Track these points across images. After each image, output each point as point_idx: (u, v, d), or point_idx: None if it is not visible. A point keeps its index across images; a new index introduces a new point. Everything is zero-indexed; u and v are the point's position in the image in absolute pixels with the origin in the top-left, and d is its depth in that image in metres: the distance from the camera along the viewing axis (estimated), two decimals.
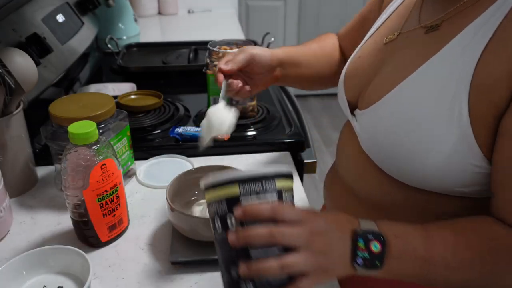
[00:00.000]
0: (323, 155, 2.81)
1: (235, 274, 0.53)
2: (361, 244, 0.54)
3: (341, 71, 0.80)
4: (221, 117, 0.76)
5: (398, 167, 0.64)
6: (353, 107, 0.75)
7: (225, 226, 0.53)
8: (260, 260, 0.52)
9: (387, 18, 0.76)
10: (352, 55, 0.79)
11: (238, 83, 0.83)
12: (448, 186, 0.61)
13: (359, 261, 0.54)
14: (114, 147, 0.85)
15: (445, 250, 0.56)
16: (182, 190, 0.82)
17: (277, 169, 0.54)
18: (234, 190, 0.52)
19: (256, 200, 0.52)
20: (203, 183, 0.55)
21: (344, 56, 0.97)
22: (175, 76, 1.47)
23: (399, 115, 0.62)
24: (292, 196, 0.56)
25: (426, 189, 0.64)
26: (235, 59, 0.82)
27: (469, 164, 0.58)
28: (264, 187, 0.53)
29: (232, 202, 0.52)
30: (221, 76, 0.81)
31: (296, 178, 0.97)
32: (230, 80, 0.82)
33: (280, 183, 0.54)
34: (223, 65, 0.81)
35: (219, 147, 1.03)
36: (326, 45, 0.97)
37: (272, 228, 0.51)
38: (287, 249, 0.52)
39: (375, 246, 0.54)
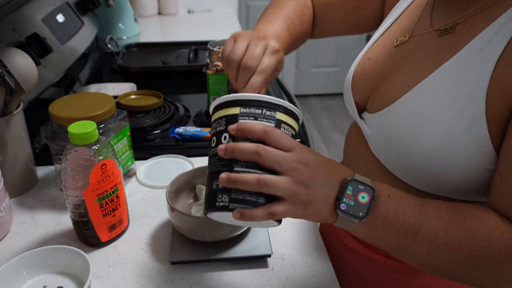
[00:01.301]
0: (323, 155, 2.81)
1: (215, 186, 0.55)
2: (349, 191, 0.53)
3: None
4: None
5: (411, 172, 0.63)
6: (361, 110, 0.74)
7: (219, 141, 0.56)
8: (240, 173, 0.53)
9: (396, 19, 0.75)
10: (360, 56, 0.78)
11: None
12: (461, 191, 0.61)
13: (342, 206, 0.53)
14: (114, 147, 0.85)
15: (438, 224, 0.54)
16: (182, 190, 0.82)
17: (283, 102, 0.55)
18: (235, 110, 0.55)
19: (253, 121, 0.55)
20: (212, 103, 0.59)
21: (315, 22, 0.93)
22: (175, 76, 1.47)
23: (413, 119, 0.61)
24: (293, 136, 0.57)
25: (439, 194, 0.63)
26: (267, 67, 0.73)
27: (484, 169, 0.57)
28: (264, 113, 0.55)
29: (230, 120, 0.55)
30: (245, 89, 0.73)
31: None
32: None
33: (281, 116, 0.55)
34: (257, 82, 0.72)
35: None
36: (305, 12, 0.91)
37: (259, 146, 0.52)
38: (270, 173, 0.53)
39: (363, 197, 0.53)
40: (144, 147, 1.04)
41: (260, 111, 0.55)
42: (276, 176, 0.52)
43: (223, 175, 0.53)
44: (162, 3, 2.23)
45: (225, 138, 0.55)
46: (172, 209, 0.73)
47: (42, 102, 1.11)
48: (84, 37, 1.42)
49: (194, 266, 0.73)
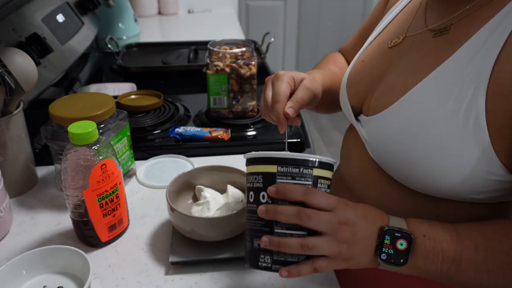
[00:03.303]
0: (323, 155, 2.81)
1: (257, 246, 0.56)
2: (387, 240, 0.55)
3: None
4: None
5: (409, 174, 0.63)
6: (357, 113, 0.73)
7: (257, 199, 0.56)
8: (283, 236, 0.54)
9: (390, 21, 0.75)
10: (354, 59, 0.77)
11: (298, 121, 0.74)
12: (460, 192, 0.60)
13: (383, 256, 0.56)
14: (114, 147, 0.85)
15: (476, 253, 0.56)
16: (182, 190, 0.82)
17: (319, 158, 0.56)
18: (272, 168, 0.56)
19: (291, 181, 0.55)
20: (246, 155, 0.59)
21: None
22: (175, 76, 1.47)
23: (411, 121, 0.61)
24: (329, 187, 0.58)
25: (438, 196, 0.63)
26: (301, 100, 0.70)
27: (484, 172, 0.57)
28: (301, 171, 0.55)
29: (268, 178, 0.56)
30: (284, 122, 0.68)
31: None
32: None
33: (317, 172, 0.56)
34: (289, 109, 0.67)
35: (219, 147, 1.03)
36: (342, 67, 0.94)
37: (301, 209, 0.53)
38: (311, 235, 0.54)
39: (401, 244, 0.55)
40: (144, 147, 1.04)
41: (297, 170, 0.55)
42: (318, 238, 0.54)
43: (265, 238, 0.54)
44: (162, 3, 2.23)
45: (263, 197, 0.56)
46: (172, 209, 0.73)
47: (42, 102, 1.11)
48: (84, 37, 1.42)
49: (194, 266, 0.73)
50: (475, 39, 0.56)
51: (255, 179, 0.57)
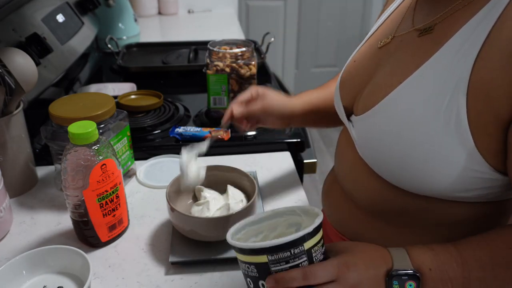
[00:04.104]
0: (323, 155, 2.81)
1: None
2: (396, 286, 0.55)
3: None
4: (192, 171, 0.77)
5: (396, 173, 0.63)
6: (349, 113, 0.74)
7: (257, 287, 0.54)
8: None
9: (383, 22, 0.75)
10: (348, 60, 0.78)
11: (242, 128, 0.87)
12: (448, 191, 0.60)
13: None
14: (114, 147, 0.85)
15: (484, 274, 0.55)
16: (182, 190, 0.82)
17: (304, 231, 0.52)
18: (262, 258, 0.52)
19: (286, 265, 0.52)
20: (228, 238, 0.55)
21: None
22: (175, 76, 1.47)
23: (396, 120, 0.61)
24: (323, 246, 0.55)
25: (426, 195, 0.63)
26: (249, 108, 0.84)
27: (468, 169, 0.57)
28: (293, 252, 0.52)
29: (262, 268, 0.53)
30: (227, 118, 0.84)
31: (296, 178, 0.97)
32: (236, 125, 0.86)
33: (309, 244, 0.53)
34: (236, 109, 0.83)
35: (219, 147, 1.03)
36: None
37: None
38: None
39: (410, 285, 0.55)
40: (144, 147, 1.04)
41: (288, 253, 0.52)
42: None
43: None
44: (162, 3, 2.23)
45: (263, 286, 0.54)
46: (172, 209, 0.73)
47: (42, 102, 1.11)
48: (84, 37, 1.42)
49: (194, 266, 0.73)
50: (457, 37, 0.56)
51: (248, 268, 0.54)
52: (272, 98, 0.86)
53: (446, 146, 0.56)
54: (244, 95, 0.85)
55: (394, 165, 0.63)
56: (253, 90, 0.86)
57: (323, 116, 0.90)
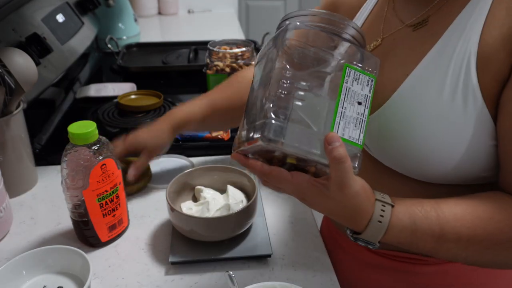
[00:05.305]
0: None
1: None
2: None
3: None
4: None
5: (414, 167, 0.64)
6: None
7: None
8: None
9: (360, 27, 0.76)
10: None
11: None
12: (473, 173, 0.61)
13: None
14: None
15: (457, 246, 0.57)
16: (182, 190, 0.82)
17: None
18: None
19: None
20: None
21: None
22: (175, 76, 1.47)
23: (412, 111, 0.61)
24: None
25: (444, 183, 0.63)
26: (117, 152, 0.83)
27: (489, 145, 0.58)
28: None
29: None
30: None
31: None
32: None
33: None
34: (130, 173, 0.85)
35: (219, 147, 1.03)
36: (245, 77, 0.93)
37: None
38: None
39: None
40: None
41: None
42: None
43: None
44: (162, 3, 2.23)
45: None
46: (172, 209, 0.73)
47: (42, 102, 1.11)
48: (84, 37, 1.42)
49: (194, 266, 0.73)
50: (458, 22, 0.59)
51: None
52: (143, 138, 0.86)
53: (462, 128, 0.57)
54: (120, 152, 0.83)
55: (411, 157, 0.63)
56: (121, 146, 0.84)
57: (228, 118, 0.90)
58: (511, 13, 0.55)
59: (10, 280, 0.67)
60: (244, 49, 1.09)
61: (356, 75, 0.53)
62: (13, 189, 0.88)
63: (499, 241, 0.56)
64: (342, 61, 0.53)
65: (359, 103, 0.53)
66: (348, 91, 0.52)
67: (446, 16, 0.61)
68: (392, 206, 0.56)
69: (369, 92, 0.54)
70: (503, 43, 0.55)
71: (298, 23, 0.55)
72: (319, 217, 0.86)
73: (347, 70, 0.52)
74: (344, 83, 0.52)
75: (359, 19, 0.76)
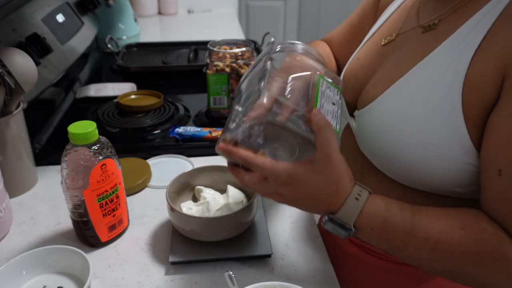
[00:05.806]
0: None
1: None
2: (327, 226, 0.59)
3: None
4: None
5: (394, 166, 0.64)
6: (352, 109, 0.75)
7: None
8: None
9: (385, 20, 0.76)
10: (351, 58, 0.79)
11: None
12: (444, 185, 0.61)
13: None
14: None
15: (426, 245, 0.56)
16: (182, 190, 0.82)
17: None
18: None
19: None
20: None
21: (338, 67, 0.95)
22: (175, 76, 1.47)
23: (395, 113, 0.62)
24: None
25: (425, 190, 0.63)
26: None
27: (464, 163, 0.58)
28: None
29: None
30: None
31: None
32: None
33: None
34: None
35: None
36: (329, 55, 0.95)
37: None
38: None
39: (340, 234, 0.58)
40: (144, 147, 1.04)
41: None
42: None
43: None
44: (162, 3, 2.23)
45: None
46: (172, 209, 0.73)
47: (42, 102, 1.11)
48: (84, 37, 1.42)
49: (194, 266, 0.73)
50: (458, 34, 0.58)
51: None
52: None
53: (441, 140, 0.57)
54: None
55: (392, 157, 0.63)
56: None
57: None
58: (506, 36, 0.54)
59: (10, 280, 0.67)
60: (244, 49, 1.09)
61: (328, 85, 0.63)
62: (13, 189, 0.88)
63: (465, 253, 0.55)
64: (317, 73, 0.62)
65: (333, 104, 0.62)
66: (323, 93, 0.61)
67: (453, 23, 0.60)
68: (370, 192, 0.58)
69: (340, 99, 0.64)
70: (493, 66, 0.54)
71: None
72: (319, 217, 0.86)
73: (320, 80, 0.62)
74: (320, 87, 0.61)
75: (388, 10, 0.76)
